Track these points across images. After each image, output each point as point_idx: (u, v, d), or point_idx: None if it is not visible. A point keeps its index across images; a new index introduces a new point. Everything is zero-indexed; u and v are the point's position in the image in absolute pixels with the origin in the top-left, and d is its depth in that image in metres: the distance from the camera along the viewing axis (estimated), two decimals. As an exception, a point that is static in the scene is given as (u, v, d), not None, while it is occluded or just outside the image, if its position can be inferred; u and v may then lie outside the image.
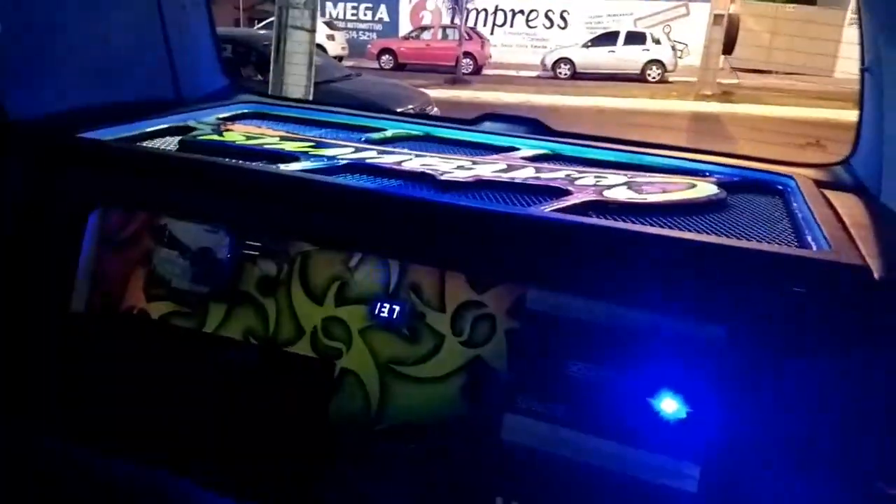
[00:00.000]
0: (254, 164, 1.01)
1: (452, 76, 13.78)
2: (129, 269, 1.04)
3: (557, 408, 0.83)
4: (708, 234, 0.88)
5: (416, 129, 1.38)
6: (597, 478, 0.81)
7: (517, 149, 1.30)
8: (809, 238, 0.86)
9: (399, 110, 6.70)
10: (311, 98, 5.58)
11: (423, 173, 1.05)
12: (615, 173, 1.15)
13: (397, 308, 0.93)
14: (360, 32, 20.00)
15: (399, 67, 16.18)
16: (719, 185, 1.11)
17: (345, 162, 1.07)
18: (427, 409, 0.92)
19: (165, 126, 1.20)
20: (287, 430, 0.95)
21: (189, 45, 1.38)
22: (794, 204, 1.03)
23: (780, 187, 1.13)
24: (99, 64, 1.21)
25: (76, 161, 1.00)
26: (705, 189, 1.07)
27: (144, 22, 1.28)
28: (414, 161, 1.12)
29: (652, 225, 0.90)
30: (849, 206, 1.02)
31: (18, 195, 0.99)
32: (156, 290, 1.03)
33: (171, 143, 1.13)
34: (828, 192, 1.09)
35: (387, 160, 1.11)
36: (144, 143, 1.12)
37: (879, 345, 0.71)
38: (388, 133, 1.33)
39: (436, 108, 7.41)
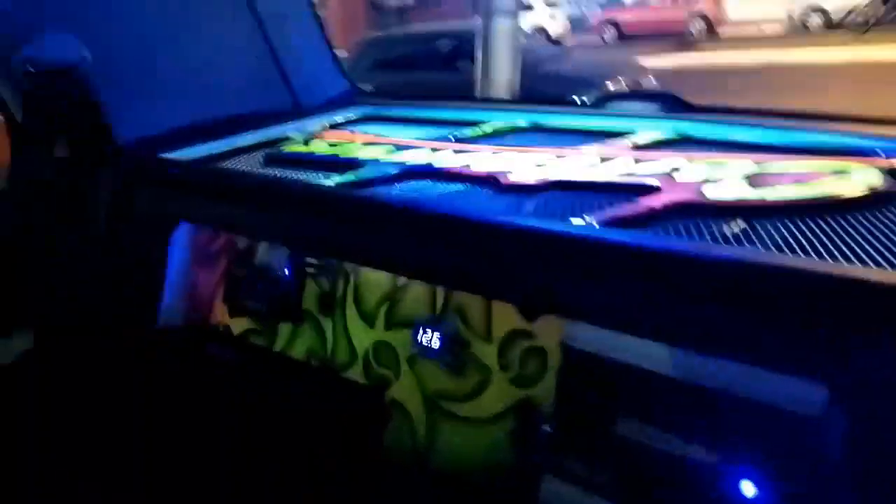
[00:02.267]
0: (301, 177, 0.97)
1: (680, 41, 12.79)
2: (213, 285, 1.07)
3: (603, 476, 0.66)
4: (823, 251, 0.63)
5: (523, 120, 1.23)
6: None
7: (633, 133, 1.09)
8: None
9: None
10: (516, 86, 5.52)
11: (487, 176, 0.92)
12: (744, 159, 0.91)
13: (440, 334, 0.82)
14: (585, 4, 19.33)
15: (623, 38, 15.43)
16: (893, 170, 0.82)
17: (405, 168, 0.97)
18: (471, 452, 0.80)
19: (261, 139, 1.21)
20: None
21: (300, 56, 1.39)
22: None
23: None
24: (207, 84, 1.26)
25: (155, 180, 1.04)
26: (859, 179, 0.79)
27: (247, 39, 1.30)
28: (489, 161, 0.99)
29: (756, 235, 0.68)
30: None
31: (117, 211, 1.06)
32: (232, 306, 1.04)
33: (259, 157, 1.14)
34: None
35: (457, 162, 0.99)
36: (235, 158, 1.13)
37: None
38: (488, 128, 1.21)
39: (652, 79, 6.86)
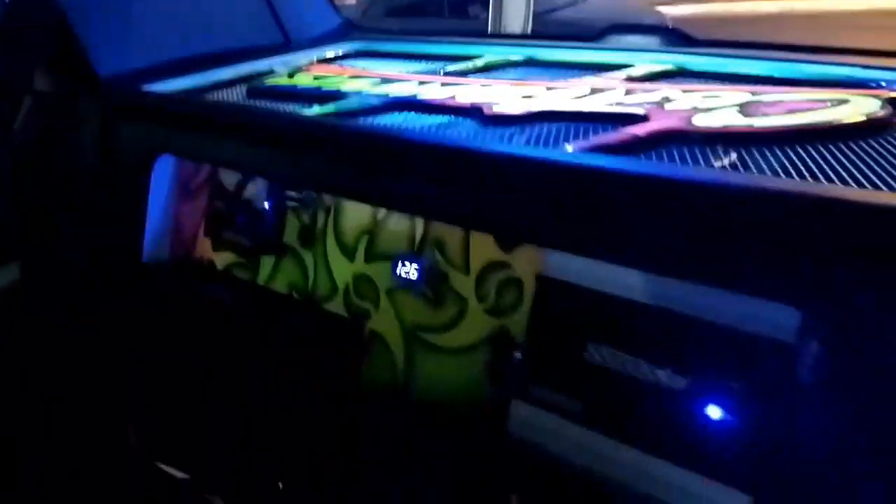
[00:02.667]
0: (282, 109, 0.94)
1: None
2: (196, 219, 1.06)
3: (571, 401, 0.65)
4: (808, 176, 0.61)
5: (517, 54, 1.19)
6: (618, 491, 0.63)
7: (631, 66, 1.05)
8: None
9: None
10: (529, 30, 5.37)
11: (471, 107, 0.89)
12: (740, 90, 0.87)
13: (418, 266, 0.81)
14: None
15: (642, -14, 14.95)
16: (894, 100, 0.78)
17: (388, 100, 0.94)
18: (449, 381, 0.80)
19: (246, 73, 1.18)
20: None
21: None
22: None
23: None
24: (193, 18, 1.23)
25: (137, 112, 1.02)
26: (858, 107, 0.76)
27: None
28: (476, 93, 0.96)
29: (741, 161, 0.65)
30: None
31: (98, 143, 1.05)
32: (215, 240, 1.03)
33: (242, 90, 1.11)
34: None
35: (442, 94, 0.96)
36: (217, 91, 1.11)
37: None
38: (480, 62, 1.17)
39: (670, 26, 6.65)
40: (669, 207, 0.59)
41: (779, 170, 0.63)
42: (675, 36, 1.17)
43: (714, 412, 0.57)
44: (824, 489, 0.51)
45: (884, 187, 0.57)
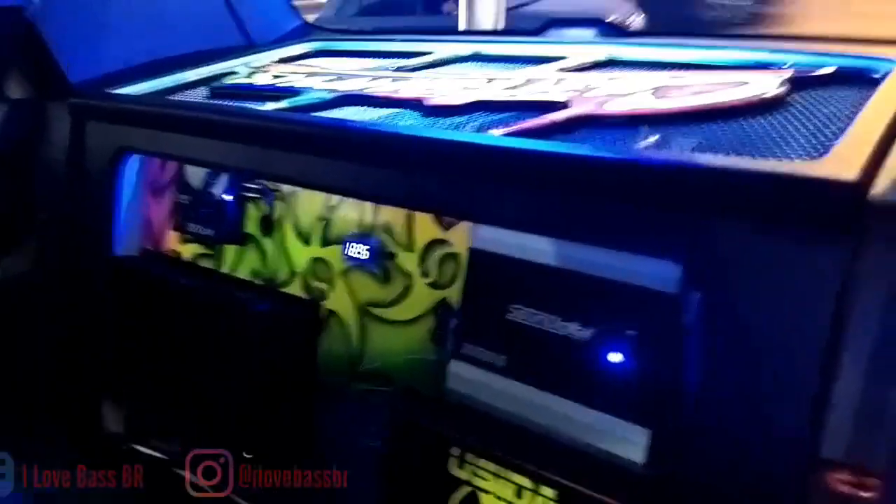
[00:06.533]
0: (236, 105, 1.01)
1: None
2: (165, 214, 1.13)
3: (499, 357, 0.73)
4: (699, 148, 0.69)
5: (466, 49, 1.27)
6: (543, 436, 0.71)
7: (565, 58, 1.13)
8: (834, 145, 0.63)
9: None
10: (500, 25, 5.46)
11: (413, 100, 0.97)
12: (658, 76, 0.95)
13: (368, 247, 0.89)
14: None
15: (614, -22, 15.06)
16: (792, 80, 0.86)
17: (338, 95, 1.02)
18: (398, 351, 0.88)
19: (208, 74, 1.25)
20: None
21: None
22: (869, 98, 0.76)
23: (877, 75, 0.84)
24: (156, 24, 1.30)
25: (104, 115, 1.08)
26: (755, 87, 0.84)
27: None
28: (420, 86, 1.03)
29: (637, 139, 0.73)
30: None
31: (69, 145, 1.11)
32: (181, 233, 1.10)
33: (205, 90, 1.18)
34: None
35: (388, 88, 1.04)
36: (181, 92, 1.17)
37: (862, 287, 0.50)
38: (430, 58, 1.24)
39: (643, 16, 6.76)
40: (573, 181, 0.67)
41: (670, 143, 0.71)
42: (611, 28, 1.25)
43: (615, 357, 0.65)
44: (707, 416, 0.60)
45: (758, 157, 0.65)
